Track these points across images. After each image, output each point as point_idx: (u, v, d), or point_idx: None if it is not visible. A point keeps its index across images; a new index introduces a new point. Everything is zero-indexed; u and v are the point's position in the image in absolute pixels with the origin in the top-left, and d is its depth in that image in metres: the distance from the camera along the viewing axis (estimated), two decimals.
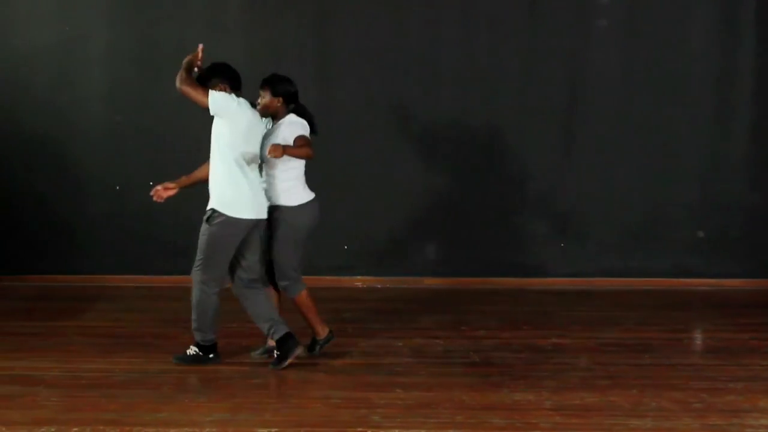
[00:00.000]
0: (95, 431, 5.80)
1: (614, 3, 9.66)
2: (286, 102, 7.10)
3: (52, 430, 5.80)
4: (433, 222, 9.89)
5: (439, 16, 9.71)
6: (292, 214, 7.02)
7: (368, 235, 9.90)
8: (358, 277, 9.93)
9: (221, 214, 6.87)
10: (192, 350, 7.07)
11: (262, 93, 7.13)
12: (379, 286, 9.83)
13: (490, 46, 9.72)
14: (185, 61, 7.06)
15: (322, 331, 7.32)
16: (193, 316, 7.01)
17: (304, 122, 7.08)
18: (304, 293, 7.21)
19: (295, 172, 7.07)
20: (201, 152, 9.73)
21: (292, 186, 7.06)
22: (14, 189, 9.72)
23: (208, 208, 6.95)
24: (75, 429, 5.81)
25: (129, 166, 9.60)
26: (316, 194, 7.19)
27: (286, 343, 6.94)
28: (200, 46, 7.21)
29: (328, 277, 9.87)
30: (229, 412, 6.15)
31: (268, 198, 7.02)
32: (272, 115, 7.13)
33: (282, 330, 6.96)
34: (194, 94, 6.92)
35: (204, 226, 6.95)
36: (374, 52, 9.77)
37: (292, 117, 7.07)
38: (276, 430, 5.82)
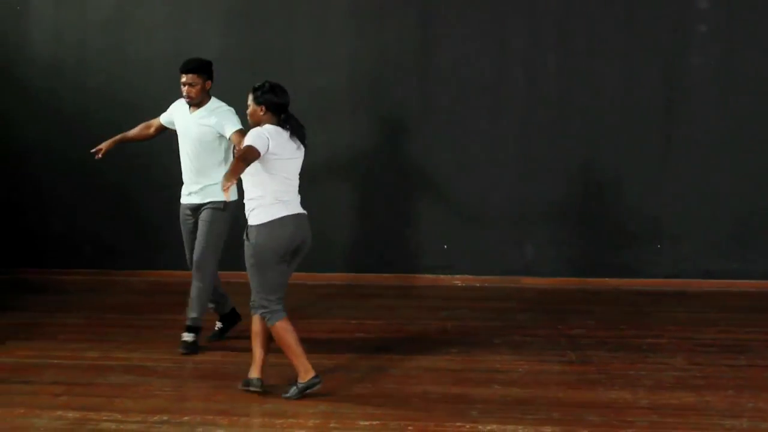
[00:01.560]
0: (205, 420, 5.89)
1: (713, 8, 9.46)
2: (271, 111, 6.37)
3: (165, 418, 5.90)
4: (530, 223, 9.80)
5: (537, 22, 9.63)
6: (254, 234, 6.25)
7: (467, 235, 9.85)
8: (457, 276, 9.88)
9: None
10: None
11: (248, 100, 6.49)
12: (477, 285, 9.78)
13: (588, 50, 9.60)
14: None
15: (305, 374, 6.28)
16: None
17: (264, 133, 6.18)
18: (279, 325, 6.27)
19: (258, 190, 6.25)
20: (312, 152, 9.86)
21: (257, 204, 6.26)
22: (133, 186, 9.91)
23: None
24: (186, 418, 5.91)
25: None
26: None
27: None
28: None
29: (427, 276, 9.89)
30: (331, 404, 6.18)
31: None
32: (257, 123, 6.37)
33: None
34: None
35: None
36: (474, 57, 9.72)
37: (266, 127, 6.28)
38: (377, 423, 5.83)
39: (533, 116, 9.74)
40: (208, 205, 7.33)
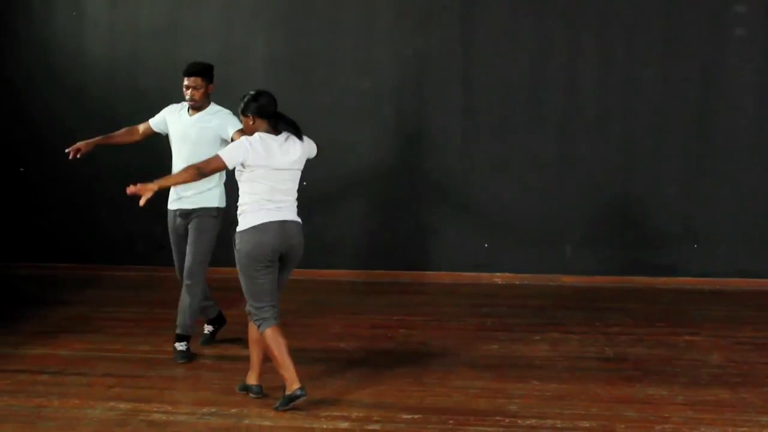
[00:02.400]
0: (252, 413, 5.93)
1: (750, 11, 9.38)
2: (261, 118, 6.12)
3: (213, 410, 5.95)
4: (569, 223, 9.78)
5: (578, 25, 9.60)
6: (237, 240, 6.03)
7: (507, 234, 9.85)
8: (498, 274, 9.88)
9: None
10: None
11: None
12: (517, 283, 9.77)
13: (625, 55, 9.56)
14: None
15: (291, 385, 5.93)
16: None
17: (246, 143, 5.97)
18: (267, 333, 5.96)
19: (245, 197, 6.05)
20: (351, 148, 9.94)
21: (242, 210, 6.06)
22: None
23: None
24: (234, 410, 5.95)
25: None
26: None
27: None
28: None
29: (468, 274, 9.89)
30: (375, 397, 6.20)
31: None
32: (251, 133, 6.10)
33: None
34: None
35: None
36: (515, 58, 9.71)
37: (255, 136, 6.07)
38: (419, 416, 5.84)
39: (572, 119, 9.72)
40: (201, 212, 7.02)
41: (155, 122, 7.31)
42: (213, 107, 7.13)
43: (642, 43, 9.55)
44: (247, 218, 5.99)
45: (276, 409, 5.91)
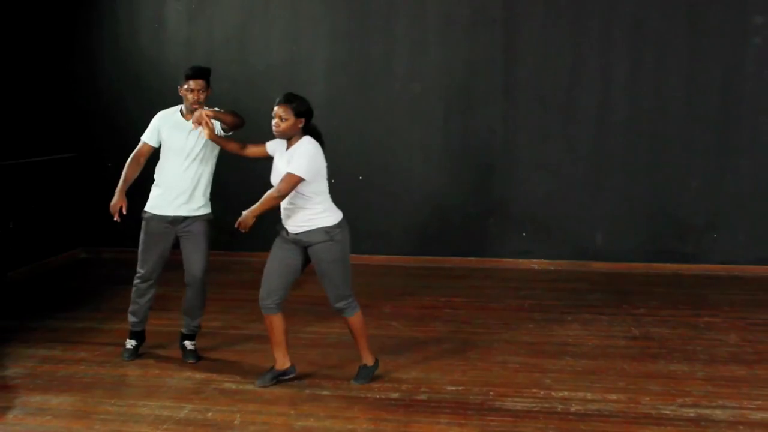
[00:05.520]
0: (312, 384, 5.99)
1: (767, 22, 9.28)
2: (307, 121, 5.75)
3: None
4: (601, 213, 9.74)
5: (611, 35, 9.54)
6: (335, 234, 5.76)
7: (543, 224, 9.83)
8: (534, 260, 9.86)
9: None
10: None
11: (282, 111, 5.65)
12: (552, 269, 9.74)
13: (655, 61, 9.49)
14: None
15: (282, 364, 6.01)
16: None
17: (318, 157, 5.70)
18: (360, 314, 6.04)
19: (317, 196, 5.76)
20: (404, 146, 9.95)
21: (325, 208, 5.80)
22: (248, 179, 10.05)
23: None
24: (296, 381, 6.00)
25: (342, 163, 9.73)
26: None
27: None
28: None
29: (508, 260, 9.88)
30: (423, 371, 6.24)
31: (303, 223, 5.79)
32: (286, 135, 5.72)
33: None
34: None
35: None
36: (553, 65, 9.67)
37: (313, 146, 5.71)
38: (462, 388, 5.88)
39: (604, 120, 9.66)
40: (203, 217, 6.43)
41: (151, 138, 6.48)
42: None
43: (670, 51, 9.46)
44: (331, 214, 5.72)
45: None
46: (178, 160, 6.33)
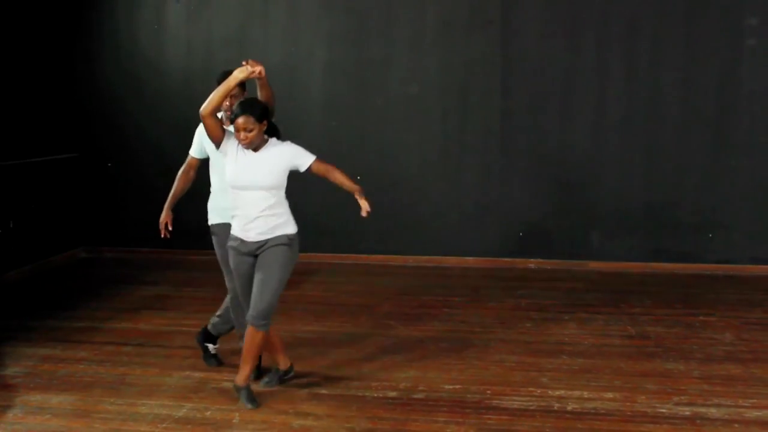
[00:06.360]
0: (311, 382, 5.98)
1: (761, 24, 9.27)
2: (269, 126, 5.54)
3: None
4: (596, 214, 9.73)
5: (607, 35, 9.52)
6: (295, 242, 5.58)
7: (540, 224, 9.82)
8: (532, 260, 9.85)
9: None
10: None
11: (245, 122, 5.38)
12: (549, 268, 9.73)
13: (652, 61, 9.47)
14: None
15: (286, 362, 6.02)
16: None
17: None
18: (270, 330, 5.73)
19: (284, 201, 5.62)
20: (401, 146, 9.94)
21: (288, 214, 5.62)
22: None
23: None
24: (294, 379, 5.99)
25: (340, 163, 9.68)
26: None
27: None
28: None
29: (505, 259, 9.87)
30: (420, 370, 6.23)
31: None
32: (254, 145, 5.45)
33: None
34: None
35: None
36: (548, 66, 9.66)
37: (276, 141, 5.57)
38: (459, 387, 5.87)
39: (601, 120, 9.65)
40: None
41: (197, 151, 6.31)
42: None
43: (665, 52, 9.45)
44: (293, 223, 5.57)
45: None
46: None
